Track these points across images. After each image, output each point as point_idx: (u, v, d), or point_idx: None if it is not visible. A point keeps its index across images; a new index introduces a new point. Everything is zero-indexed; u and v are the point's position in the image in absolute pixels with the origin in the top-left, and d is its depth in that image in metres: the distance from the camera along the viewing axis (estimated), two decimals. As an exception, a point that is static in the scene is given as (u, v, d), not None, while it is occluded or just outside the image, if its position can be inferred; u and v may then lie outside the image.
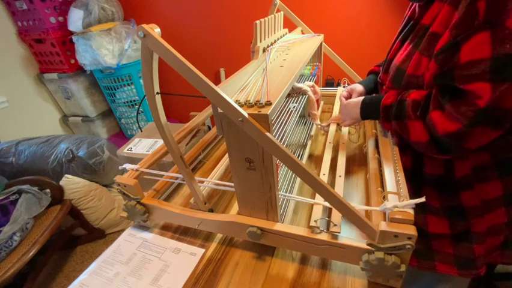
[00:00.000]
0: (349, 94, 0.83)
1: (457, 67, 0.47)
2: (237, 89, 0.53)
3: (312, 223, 0.52)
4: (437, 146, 0.52)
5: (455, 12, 0.49)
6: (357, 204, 0.48)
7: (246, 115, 0.42)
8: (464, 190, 0.59)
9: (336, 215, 0.53)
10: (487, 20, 0.43)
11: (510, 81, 0.42)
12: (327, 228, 0.52)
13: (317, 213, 0.54)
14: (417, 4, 0.61)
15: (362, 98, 0.68)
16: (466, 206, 0.60)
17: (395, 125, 0.59)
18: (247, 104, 0.46)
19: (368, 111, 0.67)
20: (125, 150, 1.28)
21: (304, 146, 0.86)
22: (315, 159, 0.85)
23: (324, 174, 0.69)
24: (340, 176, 0.67)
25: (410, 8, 0.65)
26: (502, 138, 0.51)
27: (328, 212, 0.58)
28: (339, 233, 0.50)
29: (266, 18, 0.69)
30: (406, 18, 0.65)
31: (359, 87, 0.82)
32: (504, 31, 0.42)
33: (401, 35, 0.65)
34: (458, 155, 0.56)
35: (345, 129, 0.89)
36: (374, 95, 0.77)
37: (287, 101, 0.71)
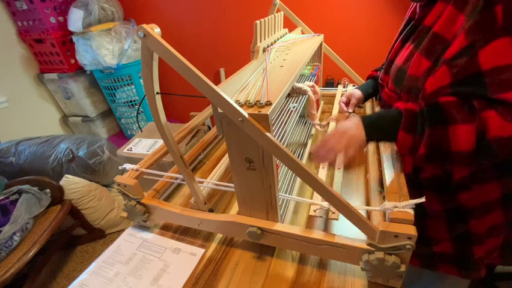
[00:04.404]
0: (348, 99, 0.84)
1: (483, 75, 0.44)
2: (237, 89, 0.53)
3: (311, 212, 0.54)
4: (482, 153, 0.45)
5: (460, 15, 0.48)
6: (357, 204, 0.48)
7: (246, 115, 0.42)
8: (462, 192, 0.59)
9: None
10: (506, 26, 0.42)
11: None
12: (326, 216, 0.53)
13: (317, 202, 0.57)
14: (418, 4, 0.60)
15: (355, 119, 0.54)
16: (464, 208, 0.60)
17: (429, 133, 0.47)
18: (247, 104, 0.46)
19: (375, 125, 0.53)
20: (125, 150, 1.28)
21: (304, 145, 0.86)
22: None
23: (323, 168, 0.70)
24: (339, 169, 0.67)
25: (410, 9, 0.65)
26: None
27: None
28: (337, 219, 0.51)
29: (266, 18, 0.69)
30: (407, 19, 0.65)
31: (357, 92, 0.82)
32: None
33: (401, 35, 0.65)
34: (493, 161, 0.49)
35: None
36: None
37: (287, 101, 0.71)
